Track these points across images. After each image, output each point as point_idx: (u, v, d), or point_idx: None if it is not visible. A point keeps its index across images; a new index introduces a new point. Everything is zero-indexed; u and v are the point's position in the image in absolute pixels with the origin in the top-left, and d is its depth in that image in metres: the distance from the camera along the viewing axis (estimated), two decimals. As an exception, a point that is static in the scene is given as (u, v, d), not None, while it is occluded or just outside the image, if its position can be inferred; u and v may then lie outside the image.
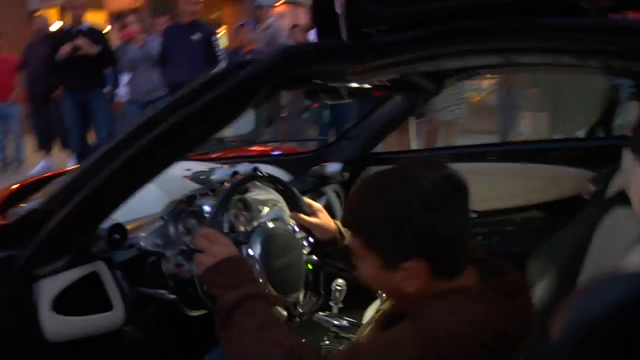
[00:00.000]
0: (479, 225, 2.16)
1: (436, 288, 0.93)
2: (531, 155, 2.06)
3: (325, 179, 2.12)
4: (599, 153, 1.97)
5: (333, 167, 2.12)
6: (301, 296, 1.33)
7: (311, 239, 1.40)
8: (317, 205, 1.43)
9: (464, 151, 2.29)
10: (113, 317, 1.25)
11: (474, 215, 2.18)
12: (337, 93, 1.59)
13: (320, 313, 1.77)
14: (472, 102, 6.33)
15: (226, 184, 1.27)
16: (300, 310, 1.32)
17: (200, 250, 1.11)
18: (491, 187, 2.09)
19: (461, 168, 2.15)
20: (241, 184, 1.23)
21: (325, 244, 1.40)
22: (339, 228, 1.41)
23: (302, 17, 7.86)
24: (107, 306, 1.25)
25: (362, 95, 1.66)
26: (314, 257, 1.36)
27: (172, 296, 1.23)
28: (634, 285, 0.68)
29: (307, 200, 1.43)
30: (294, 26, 6.11)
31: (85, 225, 1.16)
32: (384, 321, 1.04)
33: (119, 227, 1.19)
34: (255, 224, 1.28)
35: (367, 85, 1.56)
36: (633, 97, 3.85)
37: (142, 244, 1.22)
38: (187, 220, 1.27)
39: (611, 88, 4.30)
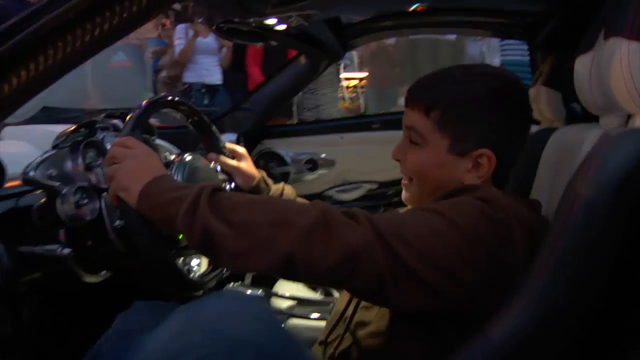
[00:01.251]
0: (381, 196, 2.13)
1: None
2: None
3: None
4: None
5: (228, 138, 1.95)
6: None
7: (232, 185, 1.22)
8: (240, 149, 1.26)
9: (363, 121, 2.25)
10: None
11: (375, 186, 2.17)
12: (251, 34, 1.46)
13: (232, 283, 1.59)
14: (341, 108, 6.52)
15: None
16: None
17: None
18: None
19: (358, 138, 2.13)
20: (159, 106, 1.02)
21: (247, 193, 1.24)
22: (263, 178, 1.25)
23: None
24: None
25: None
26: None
27: (67, 250, 0.98)
28: None
29: (229, 144, 1.25)
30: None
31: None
32: None
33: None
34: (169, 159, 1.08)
35: (282, 26, 1.44)
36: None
37: (32, 174, 0.95)
38: (86, 153, 1.02)
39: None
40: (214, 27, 1.42)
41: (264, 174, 1.26)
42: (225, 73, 4.88)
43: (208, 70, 4.69)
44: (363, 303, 0.93)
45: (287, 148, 2.08)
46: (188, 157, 1.05)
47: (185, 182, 0.99)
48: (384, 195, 2.13)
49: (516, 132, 0.94)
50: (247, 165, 1.24)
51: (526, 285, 0.70)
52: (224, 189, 0.81)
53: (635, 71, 0.78)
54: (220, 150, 1.22)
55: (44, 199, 0.99)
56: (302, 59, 1.94)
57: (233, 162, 1.22)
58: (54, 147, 1.03)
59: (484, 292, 0.76)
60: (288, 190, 1.27)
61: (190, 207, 0.77)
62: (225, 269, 1.04)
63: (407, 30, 2.10)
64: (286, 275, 0.77)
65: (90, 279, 1.06)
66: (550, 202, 0.97)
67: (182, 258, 1.07)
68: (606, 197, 0.64)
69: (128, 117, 0.94)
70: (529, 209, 0.86)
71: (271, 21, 1.35)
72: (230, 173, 1.22)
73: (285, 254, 0.73)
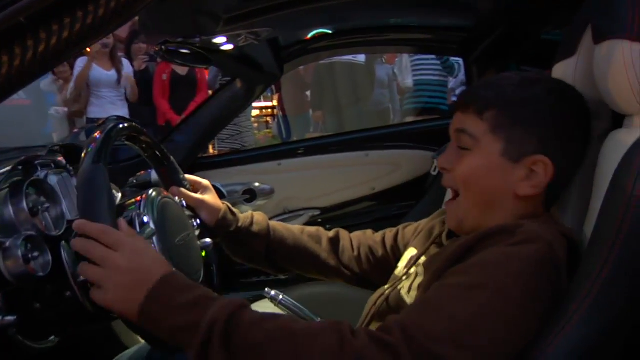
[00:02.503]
0: (326, 222, 2.06)
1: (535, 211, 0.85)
2: (370, 142, 2.03)
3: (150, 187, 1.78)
4: (433, 134, 2.03)
5: (158, 173, 1.80)
6: None
7: (198, 221, 1.08)
8: (204, 181, 1.13)
9: (299, 146, 2.17)
10: None
11: (317, 212, 2.09)
12: (192, 55, 1.35)
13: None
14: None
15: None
16: None
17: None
18: (333, 181, 2.01)
19: (298, 164, 2.05)
20: (120, 133, 0.86)
21: (212, 230, 1.10)
22: (228, 208, 1.13)
23: None
24: None
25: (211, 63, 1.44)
26: (207, 241, 1.05)
27: (10, 318, 0.79)
28: None
29: (190, 176, 1.12)
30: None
31: None
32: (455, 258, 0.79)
33: None
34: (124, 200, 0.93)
35: (229, 46, 1.34)
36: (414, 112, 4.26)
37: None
38: (29, 195, 0.84)
39: (383, 110, 4.77)
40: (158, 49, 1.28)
41: (228, 204, 1.14)
42: (131, 107, 4.66)
43: (114, 104, 4.47)
44: None
45: (222, 179, 1.95)
46: (153, 193, 0.91)
47: (157, 220, 0.85)
48: (329, 220, 2.06)
49: (577, 144, 0.87)
50: (211, 197, 1.11)
51: (581, 298, 0.65)
52: (240, 309, 0.69)
53: (639, 71, 0.78)
54: (180, 182, 1.08)
55: None
56: (237, 83, 1.83)
57: (197, 196, 1.09)
58: (-13, 191, 0.84)
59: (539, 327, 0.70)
60: (259, 217, 1.15)
61: (202, 348, 0.66)
62: None
63: (343, 50, 2.07)
64: None
65: (36, 347, 0.88)
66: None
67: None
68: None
69: (85, 152, 0.78)
70: (563, 227, 0.82)
71: (219, 40, 1.25)
72: (194, 208, 1.09)
73: None
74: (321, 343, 0.64)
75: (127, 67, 4.64)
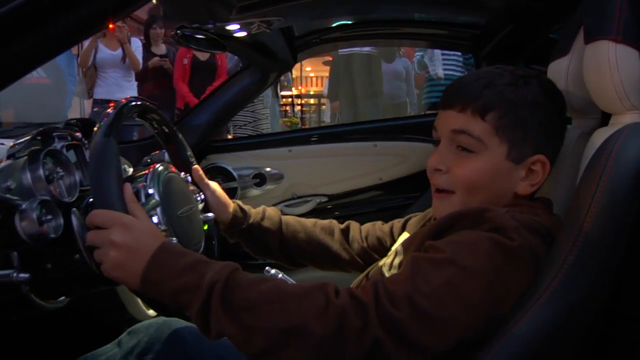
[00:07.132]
0: (332, 209, 2.11)
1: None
2: (380, 133, 2.07)
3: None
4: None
5: (172, 154, 1.86)
6: None
7: (202, 196, 1.14)
8: (211, 183, 1.18)
9: (309, 134, 2.22)
10: None
11: (325, 199, 2.14)
12: (207, 41, 1.40)
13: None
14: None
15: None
16: None
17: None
18: (342, 169, 2.05)
19: (307, 151, 2.10)
20: (131, 111, 0.92)
21: (226, 231, 1.16)
22: (239, 206, 1.18)
23: None
24: None
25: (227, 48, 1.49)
26: (210, 216, 1.11)
27: (24, 275, 0.86)
28: None
29: (198, 172, 1.16)
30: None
31: None
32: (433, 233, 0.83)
33: None
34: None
35: (242, 33, 1.39)
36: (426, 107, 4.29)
37: (-13, 186, 0.82)
38: (45, 164, 0.91)
39: (400, 104, 4.80)
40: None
41: (239, 202, 1.19)
42: (149, 89, 4.72)
43: (119, 85, 4.43)
44: None
45: (233, 163, 2.01)
46: (160, 167, 0.97)
47: (161, 192, 0.91)
48: (336, 207, 2.11)
49: (561, 138, 0.91)
50: (219, 195, 1.17)
51: (546, 283, 0.69)
52: (236, 271, 0.75)
53: (623, 71, 0.81)
54: (187, 159, 1.14)
55: None
56: (251, 70, 1.88)
57: (204, 178, 1.15)
58: (8, 156, 0.91)
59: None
60: (271, 211, 1.20)
61: (203, 308, 0.72)
62: None
63: (357, 41, 2.11)
64: None
65: (47, 306, 0.95)
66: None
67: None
68: (625, 188, 0.65)
69: (97, 126, 0.85)
70: (544, 210, 0.84)
71: (233, 27, 1.30)
72: (208, 206, 1.14)
73: None
74: (309, 303, 0.70)
75: (134, 44, 4.56)
